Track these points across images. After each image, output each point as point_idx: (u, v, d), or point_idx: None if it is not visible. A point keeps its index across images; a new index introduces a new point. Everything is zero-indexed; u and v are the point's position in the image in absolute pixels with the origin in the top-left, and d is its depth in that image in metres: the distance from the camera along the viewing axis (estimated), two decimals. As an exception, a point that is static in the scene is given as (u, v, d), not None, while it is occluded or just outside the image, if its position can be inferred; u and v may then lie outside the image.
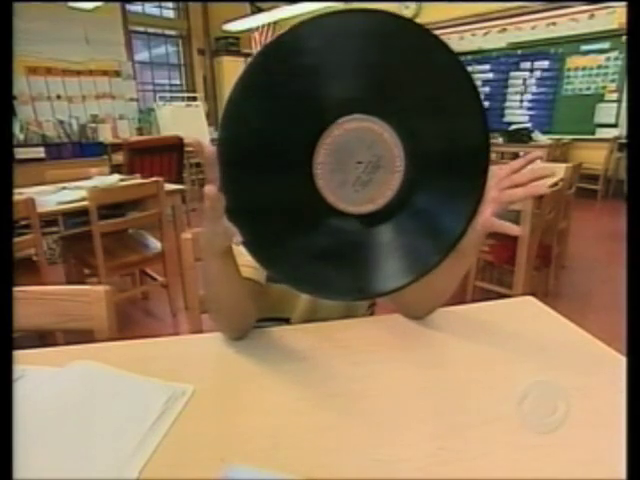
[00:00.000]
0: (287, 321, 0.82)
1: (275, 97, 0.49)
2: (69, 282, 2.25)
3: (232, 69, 7.77)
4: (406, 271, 0.53)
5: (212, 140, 6.43)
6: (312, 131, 0.50)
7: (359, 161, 0.52)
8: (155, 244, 2.28)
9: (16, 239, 1.70)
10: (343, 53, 0.50)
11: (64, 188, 2.20)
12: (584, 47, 4.89)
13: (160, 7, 7.28)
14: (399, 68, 0.52)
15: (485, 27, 5.53)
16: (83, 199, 1.90)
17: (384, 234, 0.53)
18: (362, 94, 0.51)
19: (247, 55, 7.64)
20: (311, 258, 0.50)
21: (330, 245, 0.50)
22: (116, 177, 2.47)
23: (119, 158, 4.33)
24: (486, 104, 5.79)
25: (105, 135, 5.89)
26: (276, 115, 0.50)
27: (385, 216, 0.53)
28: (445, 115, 0.53)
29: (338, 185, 0.51)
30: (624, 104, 4.64)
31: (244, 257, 0.78)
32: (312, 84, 0.50)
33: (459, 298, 1.00)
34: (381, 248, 0.52)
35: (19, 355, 0.59)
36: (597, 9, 4.69)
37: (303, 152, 0.50)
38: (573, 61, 5.00)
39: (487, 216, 0.57)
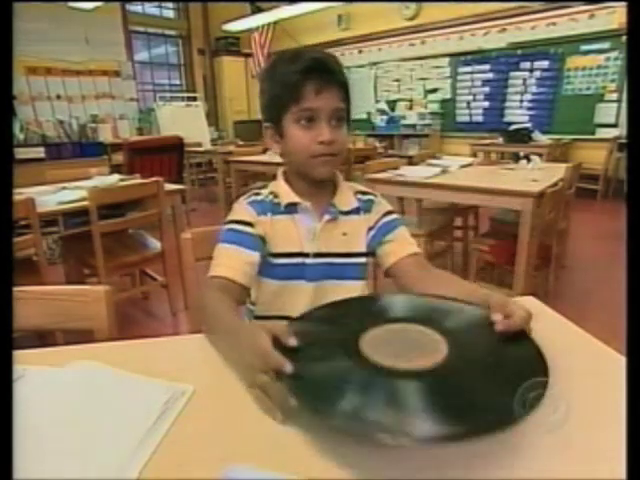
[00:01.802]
0: (288, 319, 0.82)
1: None
2: (69, 282, 2.25)
3: (232, 69, 7.77)
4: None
5: (212, 140, 6.43)
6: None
7: (404, 343, 0.58)
8: (155, 244, 2.28)
9: (16, 239, 1.70)
10: None
11: (64, 188, 2.20)
12: (584, 47, 4.88)
13: (160, 7, 7.29)
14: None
15: (485, 27, 5.53)
16: (83, 199, 1.90)
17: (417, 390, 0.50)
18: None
19: (247, 55, 7.64)
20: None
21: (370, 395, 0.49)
22: (116, 177, 2.47)
23: (119, 158, 4.33)
24: (486, 104, 5.81)
25: (105, 135, 5.89)
26: None
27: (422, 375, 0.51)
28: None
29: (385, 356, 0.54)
30: (624, 104, 4.63)
31: (222, 257, 0.79)
32: None
33: (459, 298, 0.99)
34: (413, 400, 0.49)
35: (19, 355, 0.59)
36: (597, 9, 4.69)
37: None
38: (573, 61, 5.00)
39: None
